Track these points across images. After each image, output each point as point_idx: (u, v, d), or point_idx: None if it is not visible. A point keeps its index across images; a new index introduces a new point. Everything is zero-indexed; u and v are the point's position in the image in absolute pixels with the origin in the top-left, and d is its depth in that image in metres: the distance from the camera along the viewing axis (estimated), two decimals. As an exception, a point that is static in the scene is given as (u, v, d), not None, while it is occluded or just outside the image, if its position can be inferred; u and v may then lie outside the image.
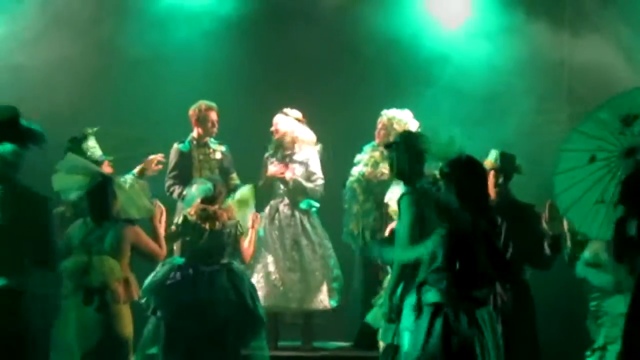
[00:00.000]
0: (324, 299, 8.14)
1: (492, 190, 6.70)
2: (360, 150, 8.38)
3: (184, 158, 8.22)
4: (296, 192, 8.23)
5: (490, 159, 7.03)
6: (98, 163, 7.26)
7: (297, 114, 8.33)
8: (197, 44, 9.30)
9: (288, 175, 8.20)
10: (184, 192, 7.99)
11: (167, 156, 8.20)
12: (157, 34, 9.13)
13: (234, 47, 9.35)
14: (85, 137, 7.52)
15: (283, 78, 9.34)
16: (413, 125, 8.19)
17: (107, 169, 7.35)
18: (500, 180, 6.98)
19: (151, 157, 7.76)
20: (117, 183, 6.71)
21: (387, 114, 8.21)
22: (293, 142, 8.30)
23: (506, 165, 7.00)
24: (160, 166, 7.81)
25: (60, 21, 8.87)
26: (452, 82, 8.99)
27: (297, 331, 8.41)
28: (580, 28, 9.20)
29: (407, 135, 6.18)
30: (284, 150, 8.33)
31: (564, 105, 9.38)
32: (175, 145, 8.26)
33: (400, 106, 8.28)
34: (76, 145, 7.50)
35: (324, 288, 8.14)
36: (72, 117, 8.45)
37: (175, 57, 9.25)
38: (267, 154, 8.40)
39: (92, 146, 7.53)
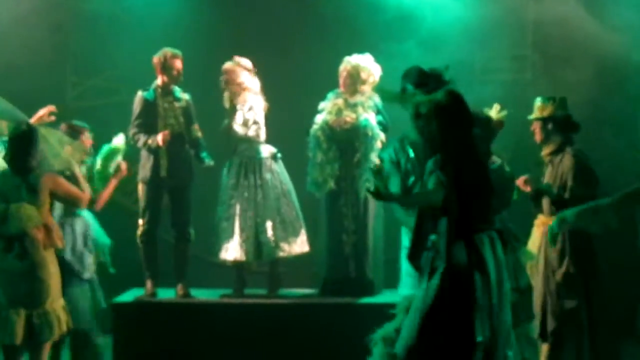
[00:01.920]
0: (289, 247, 8.16)
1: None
2: (323, 98, 8.33)
3: (149, 106, 8.11)
4: (237, 139, 8.17)
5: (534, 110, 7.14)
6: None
7: (248, 63, 8.26)
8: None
9: (231, 124, 8.15)
10: (149, 141, 7.97)
11: (131, 104, 8.17)
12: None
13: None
14: None
15: (246, 27, 9.29)
16: (376, 71, 8.17)
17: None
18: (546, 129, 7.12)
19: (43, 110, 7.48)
20: (41, 134, 6.65)
21: (350, 61, 8.16)
22: (241, 90, 8.22)
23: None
24: (52, 118, 7.54)
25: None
26: (420, 41, 8.95)
27: (263, 279, 8.44)
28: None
29: None
30: (233, 99, 8.26)
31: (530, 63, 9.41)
32: (140, 93, 8.16)
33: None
34: None
35: (285, 234, 8.16)
36: (31, 70, 8.41)
37: (139, 5, 9.16)
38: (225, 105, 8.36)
39: None
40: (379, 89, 6.49)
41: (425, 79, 5.98)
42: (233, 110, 8.23)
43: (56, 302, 6.66)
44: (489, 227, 5.35)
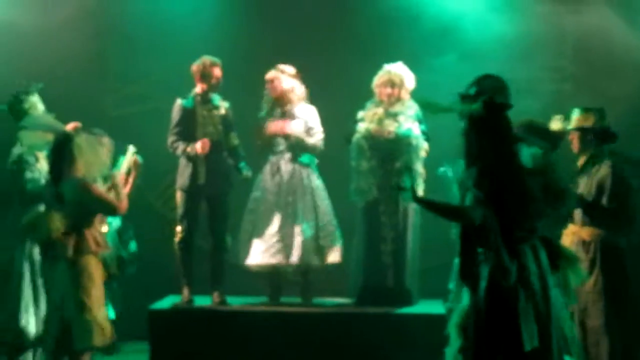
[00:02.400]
0: (322, 255, 8.16)
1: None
2: (360, 107, 8.32)
3: (187, 114, 8.13)
4: (297, 148, 8.21)
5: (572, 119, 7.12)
6: (30, 117, 7.24)
7: (292, 70, 8.29)
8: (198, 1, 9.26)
9: (290, 130, 8.18)
10: (188, 149, 8.00)
11: (170, 112, 8.19)
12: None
13: (238, 4, 9.33)
14: (28, 93, 7.51)
15: (284, 36, 9.31)
16: (411, 80, 8.19)
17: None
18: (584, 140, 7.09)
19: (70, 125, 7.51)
20: (76, 143, 6.65)
21: (389, 70, 8.17)
22: (290, 98, 8.25)
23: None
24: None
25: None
26: (460, 54, 8.94)
27: (296, 288, 8.45)
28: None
29: None
30: (282, 107, 8.29)
31: (569, 74, 9.37)
32: (179, 101, 8.18)
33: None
34: (19, 100, 7.51)
35: (322, 243, 8.16)
36: (70, 78, 8.46)
37: (177, 14, 9.21)
38: (262, 113, 8.35)
39: (35, 102, 7.52)
40: (421, 100, 6.44)
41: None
42: (281, 116, 8.23)
43: (96, 310, 6.62)
44: (531, 236, 5.31)
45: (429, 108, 5.81)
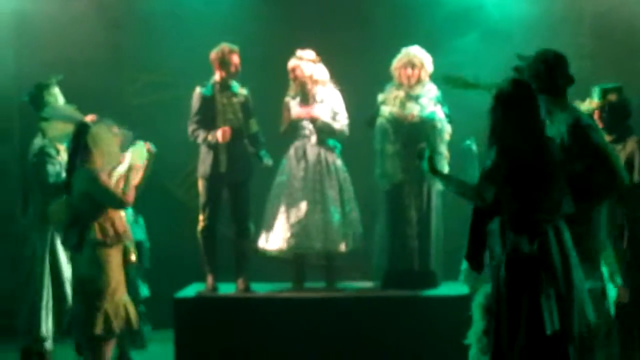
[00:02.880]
0: (347, 241, 8.15)
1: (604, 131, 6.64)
2: (379, 90, 8.28)
3: (207, 102, 8.09)
4: (323, 132, 8.20)
5: (594, 98, 7.03)
6: (51, 108, 7.26)
7: (311, 54, 8.26)
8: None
9: (316, 113, 8.16)
10: (209, 137, 7.98)
11: (189, 100, 8.18)
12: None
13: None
14: (48, 85, 7.52)
15: (302, 21, 9.28)
16: (430, 62, 8.17)
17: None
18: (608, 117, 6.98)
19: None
20: (91, 134, 6.63)
21: (409, 52, 8.13)
22: (313, 83, 8.23)
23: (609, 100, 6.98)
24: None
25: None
26: (476, 32, 8.90)
27: (319, 272, 8.44)
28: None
29: None
30: (306, 92, 8.27)
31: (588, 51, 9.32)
32: (198, 90, 8.15)
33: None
34: (40, 91, 7.52)
35: (347, 229, 8.15)
36: (90, 67, 8.47)
37: (192, 1, 9.19)
38: (287, 98, 8.34)
39: (56, 93, 7.53)
40: (447, 75, 6.36)
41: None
42: (306, 101, 8.22)
43: (110, 299, 6.59)
44: (553, 217, 5.26)
45: (454, 83, 5.74)
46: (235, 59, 8.09)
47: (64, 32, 8.75)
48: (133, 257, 7.33)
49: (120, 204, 6.68)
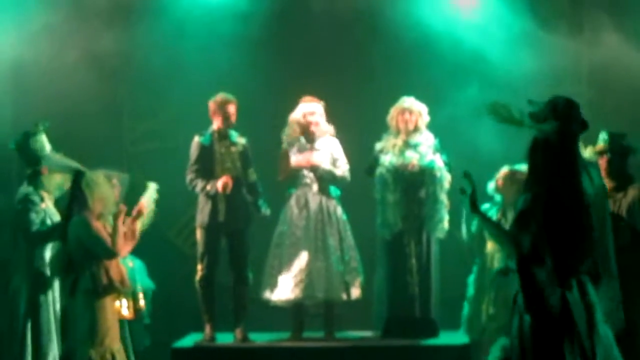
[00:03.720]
0: (347, 290, 8.12)
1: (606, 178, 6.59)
2: (375, 139, 8.33)
3: (205, 151, 8.11)
4: (324, 180, 8.21)
5: (600, 143, 7.03)
6: (45, 158, 7.24)
7: (317, 104, 8.29)
8: (216, 37, 9.25)
9: (317, 161, 8.18)
10: (208, 187, 7.98)
11: (187, 149, 8.19)
12: (176, 28, 9.22)
13: (252, 40, 9.29)
14: (35, 132, 7.53)
15: (300, 71, 9.31)
16: (426, 112, 8.23)
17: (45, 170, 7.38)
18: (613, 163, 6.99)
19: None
20: (86, 180, 6.66)
21: (406, 101, 8.21)
22: (317, 131, 8.26)
23: (615, 147, 6.98)
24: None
25: (77, 19, 8.91)
26: (476, 84, 8.94)
27: (320, 322, 8.39)
28: (598, 31, 9.15)
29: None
30: (307, 140, 8.29)
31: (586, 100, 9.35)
32: (196, 138, 8.17)
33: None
34: (26, 139, 7.52)
35: (348, 278, 8.12)
36: (89, 116, 8.49)
37: (194, 50, 9.23)
38: (285, 146, 8.35)
39: (42, 141, 7.53)
40: (493, 103, 5.98)
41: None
42: (305, 149, 8.24)
43: (101, 346, 6.58)
44: (581, 270, 5.19)
45: (498, 114, 5.53)
46: (232, 108, 8.11)
47: (61, 80, 8.75)
48: (142, 304, 7.33)
49: (109, 254, 6.66)
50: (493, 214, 7.81)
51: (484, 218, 5.55)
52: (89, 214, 6.61)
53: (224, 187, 7.94)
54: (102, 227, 6.68)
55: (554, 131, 5.20)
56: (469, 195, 5.40)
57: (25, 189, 7.49)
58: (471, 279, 8.07)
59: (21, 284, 7.35)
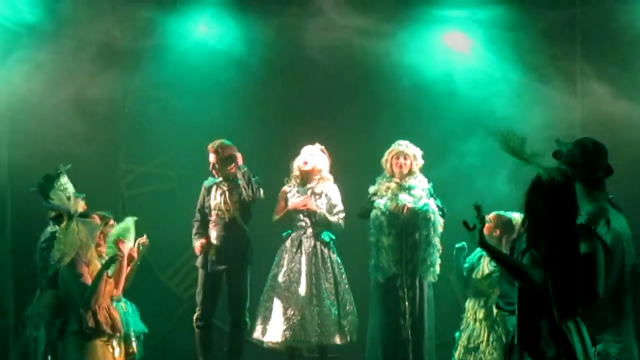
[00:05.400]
0: (342, 333, 8.12)
1: None
2: (368, 182, 8.38)
3: (208, 194, 8.24)
4: (319, 225, 8.24)
5: None
6: (70, 200, 7.26)
7: (319, 150, 8.35)
8: (210, 82, 9.32)
9: (313, 206, 8.21)
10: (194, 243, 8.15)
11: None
12: (171, 73, 9.29)
13: (246, 86, 9.37)
14: (58, 175, 7.56)
15: (295, 114, 9.36)
16: (420, 155, 8.31)
17: (80, 206, 7.35)
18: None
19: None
20: (62, 227, 6.73)
21: (401, 144, 8.27)
22: (319, 176, 8.32)
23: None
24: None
25: (73, 62, 8.98)
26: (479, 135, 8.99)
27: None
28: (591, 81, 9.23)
29: None
30: (307, 184, 8.34)
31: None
32: (205, 182, 8.30)
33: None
34: (49, 182, 7.55)
35: (342, 322, 8.13)
36: (85, 159, 8.52)
37: (189, 95, 9.29)
38: (285, 187, 8.38)
39: (65, 183, 7.56)
40: (506, 136, 5.81)
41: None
42: (304, 192, 8.28)
43: None
44: (577, 312, 5.14)
45: (508, 144, 5.45)
46: (211, 157, 8.13)
47: (55, 123, 8.77)
48: (134, 348, 7.31)
49: (80, 304, 6.63)
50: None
51: (493, 250, 5.31)
52: (78, 258, 6.64)
53: (199, 250, 8.13)
54: (86, 274, 6.67)
55: (561, 175, 5.12)
56: (478, 229, 5.25)
57: (52, 228, 7.47)
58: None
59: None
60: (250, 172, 8.05)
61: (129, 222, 7.39)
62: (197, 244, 8.13)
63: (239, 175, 8.00)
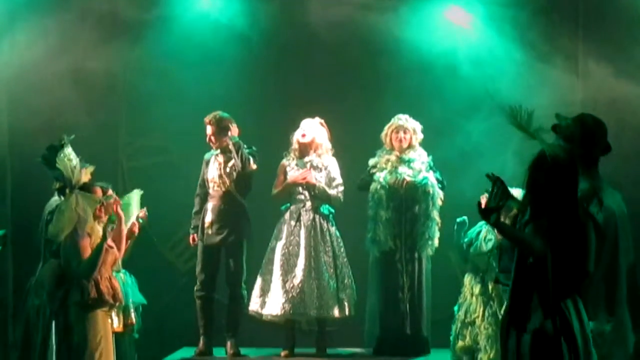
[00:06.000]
0: (340, 307, 8.15)
1: None
2: (368, 156, 8.38)
3: (206, 167, 8.28)
4: (318, 198, 8.27)
5: None
6: (75, 170, 7.27)
7: (319, 123, 8.35)
8: (212, 56, 9.29)
9: (312, 179, 8.24)
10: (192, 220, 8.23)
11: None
12: (178, 44, 9.28)
13: (248, 60, 9.34)
14: (62, 145, 7.56)
15: (296, 87, 9.34)
16: (420, 129, 8.31)
17: (85, 177, 7.36)
18: None
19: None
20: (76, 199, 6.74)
21: (401, 118, 8.28)
22: (317, 148, 8.33)
23: None
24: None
25: (76, 33, 8.98)
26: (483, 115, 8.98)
27: (312, 338, 8.42)
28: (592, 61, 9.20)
29: None
30: (305, 156, 8.33)
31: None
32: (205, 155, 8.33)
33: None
34: (54, 153, 7.55)
35: (340, 295, 8.16)
36: (87, 131, 8.53)
37: (190, 68, 9.27)
38: (284, 161, 8.40)
39: (69, 153, 7.56)
40: (513, 110, 5.71)
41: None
42: (303, 166, 8.28)
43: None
44: (575, 290, 5.11)
45: (515, 117, 5.39)
46: (207, 129, 8.15)
47: (62, 96, 8.78)
48: (132, 319, 7.35)
49: (79, 273, 6.67)
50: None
51: (503, 226, 5.22)
52: (77, 231, 6.67)
53: (192, 242, 8.27)
54: (86, 245, 6.69)
55: (565, 152, 5.06)
56: (493, 207, 5.08)
57: (55, 200, 7.47)
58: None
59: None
60: (244, 144, 8.05)
61: (134, 194, 7.45)
62: (190, 237, 8.26)
63: (230, 146, 8.03)
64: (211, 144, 8.17)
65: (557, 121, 5.53)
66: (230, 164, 8.12)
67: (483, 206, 5.05)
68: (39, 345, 7.21)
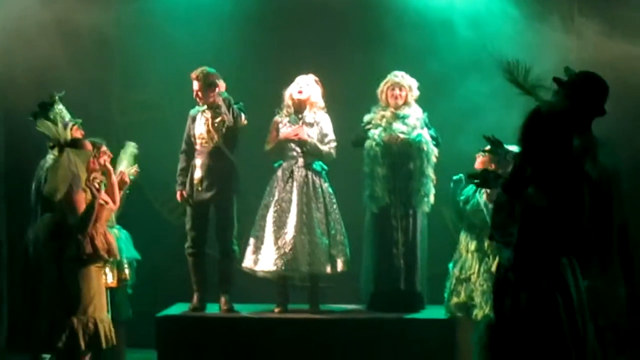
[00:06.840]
0: (332, 263, 8.16)
1: None
2: (363, 113, 8.34)
3: (193, 122, 8.23)
4: (310, 154, 8.23)
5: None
6: (65, 126, 7.22)
7: (313, 79, 8.30)
8: (204, 11, 9.26)
9: (304, 135, 8.20)
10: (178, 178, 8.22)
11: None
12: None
13: (240, 15, 9.25)
14: (52, 102, 7.53)
15: (289, 43, 9.26)
16: (416, 86, 8.27)
17: (76, 133, 7.32)
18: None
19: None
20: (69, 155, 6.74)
21: (397, 74, 8.24)
22: (313, 106, 8.29)
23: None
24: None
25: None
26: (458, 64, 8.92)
27: (306, 295, 8.42)
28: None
29: None
30: (299, 113, 8.31)
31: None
32: (191, 111, 8.28)
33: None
34: (44, 109, 7.52)
35: (333, 251, 8.16)
36: (79, 86, 8.49)
37: (183, 21, 9.20)
38: (276, 117, 8.36)
39: (60, 109, 7.53)
40: (509, 65, 5.44)
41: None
42: (295, 122, 8.25)
43: (84, 315, 6.69)
44: (572, 252, 5.13)
45: (512, 73, 5.33)
46: (194, 85, 8.09)
47: (53, 51, 8.71)
48: (126, 274, 7.36)
49: (75, 228, 6.70)
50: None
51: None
52: (73, 187, 6.67)
53: (180, 198, 8.25)
54: (82, 200, 6.72)
55: (561, 109, 5.05)
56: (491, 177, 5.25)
57: (51, 157, 7.42)
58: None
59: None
60: (232, 99, 8.00)
61: (128, 147, 7.43)
62: (178, 193, 8.22)
63: (219, 102, 7.96)
64: (198, 99, 8.10)
65: (565, 74, 5.47)
66: (217, 120, 8.08)
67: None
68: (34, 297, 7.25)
